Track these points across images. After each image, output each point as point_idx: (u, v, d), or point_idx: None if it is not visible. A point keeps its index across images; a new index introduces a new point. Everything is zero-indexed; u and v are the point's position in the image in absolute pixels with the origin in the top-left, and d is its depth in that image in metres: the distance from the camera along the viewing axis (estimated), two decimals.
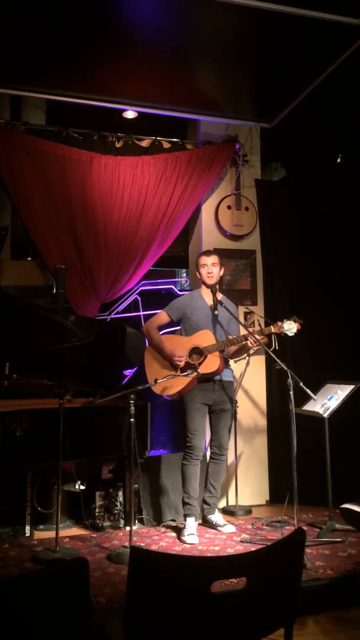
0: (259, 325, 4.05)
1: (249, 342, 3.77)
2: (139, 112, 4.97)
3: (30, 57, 4.09)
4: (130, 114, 5.08)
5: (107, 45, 3.95)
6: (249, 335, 3.74)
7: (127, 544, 3.49)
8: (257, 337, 3.72)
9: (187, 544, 3.68)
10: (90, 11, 3.61)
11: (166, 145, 5.01)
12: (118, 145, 4.89)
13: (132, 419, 3.34)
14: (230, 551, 3.52)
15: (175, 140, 5.04)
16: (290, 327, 3.72)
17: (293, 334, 3.75)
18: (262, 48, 4.03)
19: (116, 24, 3.73)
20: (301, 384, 3.55)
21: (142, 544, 3.68)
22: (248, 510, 4.53)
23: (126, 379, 4.27)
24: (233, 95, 4.74)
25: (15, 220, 5.07)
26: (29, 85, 4.50)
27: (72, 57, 4.10)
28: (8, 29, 3.83)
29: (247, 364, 4.65)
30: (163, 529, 4.03)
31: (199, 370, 3.69)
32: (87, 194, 4.65)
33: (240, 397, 4.79)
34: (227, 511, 4.49)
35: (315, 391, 3.95)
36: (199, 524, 4.00)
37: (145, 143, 4.98)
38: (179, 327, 4.12)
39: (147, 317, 4.69)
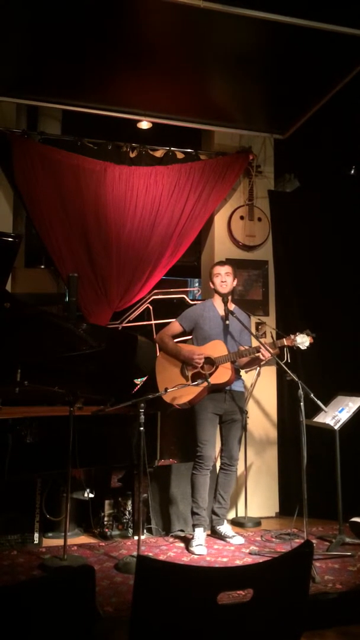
0: (272, 337, 4.04)
1: (260, 355, 3.76)
2: (153, 123, 5.01)
3: (47, 68, 4.15)
4: (144, 124, 5.12)
5: (122, 57, 4.00)
6: (261, 347, 3.74)
7: (135, 553, 3.48)
8: (270, 349, 3.72)
9: (196, 554, 3.66)
10: (107, 23, 3.66)
11: (180, 155, 5.05)
12: (132, 155, 4.93)
13: (141, 428, 3.34)
14: (238, 563, 3.50)
15: (189, 150, 5.08)
16: (303, 341, 3.71)
17: (305, 348, 3.74)
18: (277, 60, 4.05)
19: (131, 35, 3.77)
20: (312, 395, 3.54)
21: (150, 554, 3.67)
22: (257, 522, 4.50)
23: (136, 388, 4.27)
24: (247, 107, 4.77)
25: (29, 229, 5.12)
26: (46, 96, 4.57)
27: (88, 68, 4.16)
28: (26, 40, 3.89)
29: (258, 374, 4.63)
30: (171, 539, 4.01)
31: (209, 380, 3.69)
32: (100, 203, 4.68)
33: (250, 407, 4.78)
34: (236, 522, 4.46)
35: (326, 403, 3.92)
36: (208, 535, 3.98)
37: (159, 153, 5.02)
38: (190, 337, 4.12)
39: (159, 326, 4.69)
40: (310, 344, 3.73)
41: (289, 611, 1.53)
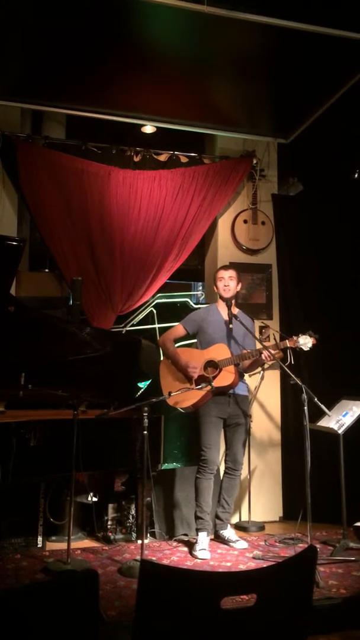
0: (274, 339, 4.04)
1: (263, 356, 3.76)
2: (157, 127, 5.03)
3: (51, 72, 4.17)
4: (148, 128, 5.14)
5: (126, 61, 4.01)
6: (264, 349, 3.74)
7: (138, 557, 3.48)
8: (272, 351, 3.72)
9: (199, 559, 3.66)
10: (110, 28, 3.67)
11: (184, 159, 5.06)
12: (136, 159, 4.95)
13: (145, 432, 3.34)
14: (242, 567, 3.49)
15: (192, 154, 5.09)
16: (306, 342, 3.71)
17: (308, 349, 3.74)
18: (280, 64, 4.05)
19: (135, 40, 3.79)
20: (315, 399, 3.53)
21: (154, 558, 3.66)
22: (261, 527, 4.49)
23: (140, 391, 4.28)
24: (250, 111, 4.78)
25: (33, 232, 5.13)
26: (50, 100, 4.59)
27: (92, 73, 4.17)
28: (30, 44, 3.91)
29: (262, 378, 4.62)
30: (175, 543, 4.01)
31: (212, 383, 3.69)
32: (104, 207, 4.69)
33: (254, 411, 4.77)
34: (240, 527, 4.45)
35: (330, 407, 3.92)
36: (211, 539, 3.97)
37: (163, 157, 5.03)
38: (194, 340, 4.13)
39: (163, 330, 4.70)
40: (313, 344, 3.73)
41: (292, 616, 1.52)
